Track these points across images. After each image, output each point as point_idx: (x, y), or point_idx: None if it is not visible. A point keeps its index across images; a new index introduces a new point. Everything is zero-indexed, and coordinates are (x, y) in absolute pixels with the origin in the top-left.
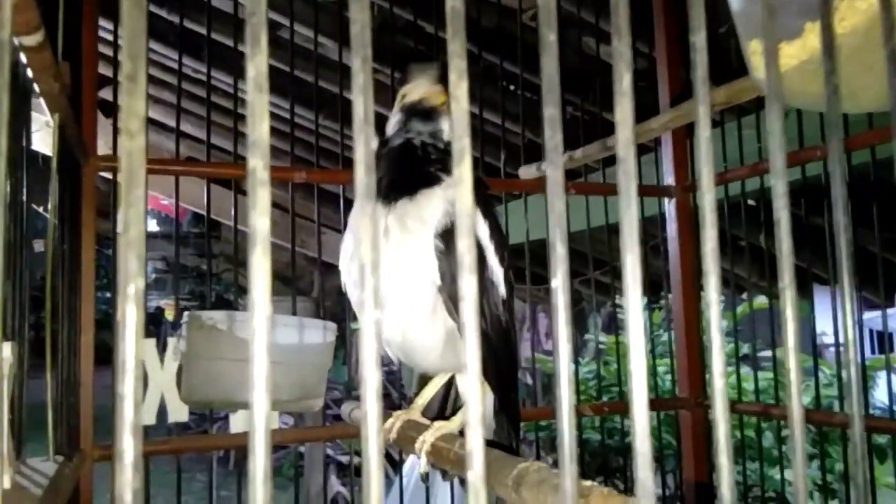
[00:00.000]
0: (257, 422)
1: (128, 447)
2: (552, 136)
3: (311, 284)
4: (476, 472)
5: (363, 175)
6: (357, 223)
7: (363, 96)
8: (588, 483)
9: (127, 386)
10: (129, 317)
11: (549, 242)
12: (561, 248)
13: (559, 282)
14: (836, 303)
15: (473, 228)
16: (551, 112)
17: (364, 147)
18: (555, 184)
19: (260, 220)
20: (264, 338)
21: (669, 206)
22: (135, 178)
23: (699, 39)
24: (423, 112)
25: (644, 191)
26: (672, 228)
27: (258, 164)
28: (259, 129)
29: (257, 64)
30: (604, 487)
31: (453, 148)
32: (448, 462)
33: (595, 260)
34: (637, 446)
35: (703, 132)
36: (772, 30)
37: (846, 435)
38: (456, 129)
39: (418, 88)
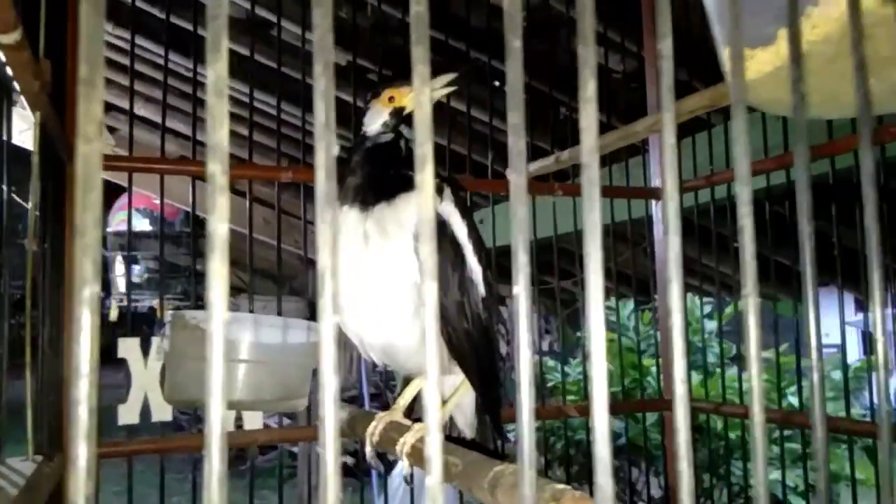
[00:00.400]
0: (213, 429)
1: (81, 453)
2: (516, 142)
3: (305, 284)
4: (434, 477)
5: (323, 180)
6: (318, 229)
7: (324, 102)
8: (560, 486)
9: (81, 391)
10: (84, 321)
11: (512, 249)
12: (523, 255)
13: (521, 289)
14: (825, 305)
15: (435, 234)
16: (515, 119)
17: (325, 153)
18: (518, 190)
19: (219, 226)
20: (221, 342)
21: (657, 208)
22: (91, 182)
23: (665, 47)
24: (389, 119)
25: (632, 193)
26: (659, 230)
27: (217, 170)
28: (218, 133)
29: (218, 69)
30: (576, 491)
31: (415, 153)
32: None
33: (583, 260)
34: (596, 452)
35: (668, 139)
36: (738, 38)
37: (835, 437)
38: (418, 134)
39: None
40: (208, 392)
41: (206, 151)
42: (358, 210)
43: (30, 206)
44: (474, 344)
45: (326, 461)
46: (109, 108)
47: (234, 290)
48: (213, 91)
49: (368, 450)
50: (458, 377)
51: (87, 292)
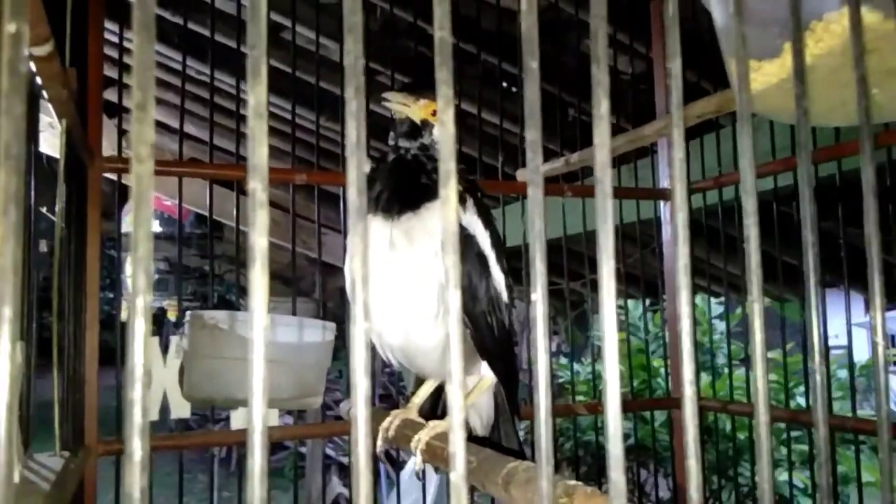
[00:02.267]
0: (256, 426)
1: (136, 448)
2: (533, 158)
3: (313, 285)
4: (458, 472)
5: (355, 196)
6: (350, 240)
7: (356, 122)
8: (573, 483)
9: (136, 392)
10: (138, 328)
11: (530, 258)
12: (540, 264)
13: (538, 296)
14: (829, 305)
15: (458, 246)
16: (533, 136)
17: (356, 170)
18: (535, 203)
19: (259, 240)
20: (262, 348)
21: (665, 210)
22: (144, 200)
23: (675, 66)
24: (407, 129)
25: (640, 194)
26: (667, 231)
27: (258, 187)
28: (258, 153)
29: (257, 94)
30: (588, 487)
31: (440, 169)
32: (442, 461)
33: (592, 261)
34: (609, 448)
35: (677, 154)
36: (744, 55)
37: (843, 438)
38: (443, 152)
39: (398, 107)
40: (251, 392)
41: (248, 169)
42: (382, 218)
43: (56, 209)
44: (501, 348)
45: (358, 458)
46: (125, 110)
47: (244, 291)
48: (253, 114)
49: (379, 443)
50: (474, 378)
51: (140, 302)
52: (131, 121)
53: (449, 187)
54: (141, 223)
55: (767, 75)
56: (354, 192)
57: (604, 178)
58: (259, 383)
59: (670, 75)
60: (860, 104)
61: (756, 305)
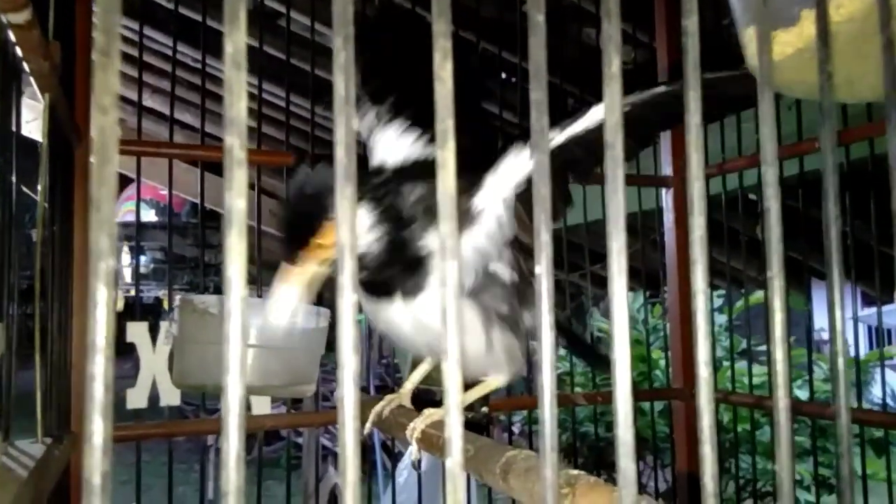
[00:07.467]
0: (231, 404)
1: (97, 429)
2: (538, 118)
3: None
4: (454, 459)
5: (342, 156)
6: (338, 205)
7: (344, 75)
8: (575, 472)
9: (97, 366)
10: (100, 296)
11: (535, 228)
12: (545, 234)
13: (542, 269)
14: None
15: (455, 213)
16: (538, 95)
17: (344, 128)
18: (541, 168)
19: (236, 202)
20: (239, 319)
21: (667, 197)
22: (107, 155)
23: (691, 23)
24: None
25: (641, 181)
26: (669, 219)
27: (235, 143)
28: (236, 106)
29: (235, 41)
30: (591, 477)
31: (436, 129)
32: (437, 449)
33: (592, 253)
34: (619, 435)
35: (693, 118)
36: (766, 16)
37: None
38: (439, 110)
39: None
40: (227, 370)
41: (224, 125)
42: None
43: (39, 189)
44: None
45: (346, 444)
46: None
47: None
48: (231, 63)
49: (368, 425)
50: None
51: (102, 266)
52: (94, 67)
53: (447, 149)
54: (104, 181)
55: (783, 45)
56: (342, 151)
57: (615, 141)
58: (236, 361)
59: (686, 33)
60: (888, 70)
61: (776, 282)
